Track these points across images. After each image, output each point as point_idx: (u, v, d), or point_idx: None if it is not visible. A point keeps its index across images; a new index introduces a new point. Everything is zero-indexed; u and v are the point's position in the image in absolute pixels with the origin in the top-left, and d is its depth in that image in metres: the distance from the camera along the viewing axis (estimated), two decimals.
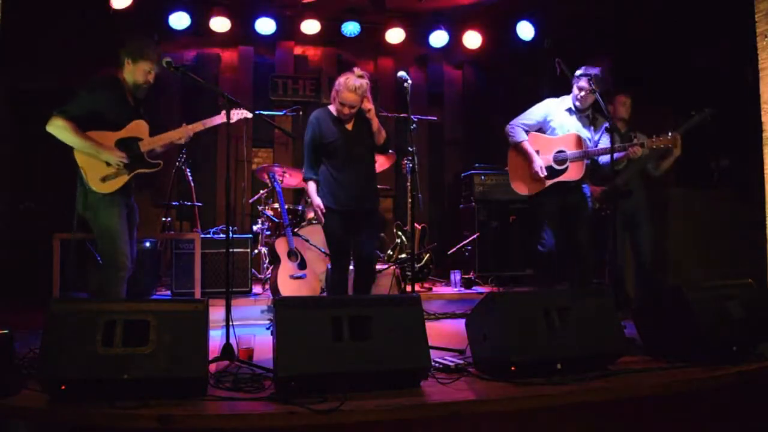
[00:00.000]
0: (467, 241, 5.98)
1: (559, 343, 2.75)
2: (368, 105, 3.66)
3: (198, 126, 3.52)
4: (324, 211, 3.65)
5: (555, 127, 4.16)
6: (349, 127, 3.71)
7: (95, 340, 2.35)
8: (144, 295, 4.87)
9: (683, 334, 3.00)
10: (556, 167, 4.11)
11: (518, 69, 6.95)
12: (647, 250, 4.45)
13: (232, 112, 3.36)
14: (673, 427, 2.67)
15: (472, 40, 6.89)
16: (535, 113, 4.24)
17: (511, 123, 4.26)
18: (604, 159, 4.14)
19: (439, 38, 6.85)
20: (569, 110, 4.18)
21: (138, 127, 3.38)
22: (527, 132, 4.21)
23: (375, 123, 3.70)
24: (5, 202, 5.95)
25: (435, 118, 6.41)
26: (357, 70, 3.61)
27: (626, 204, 4.44)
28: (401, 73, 3.88)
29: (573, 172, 4.08)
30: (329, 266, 4.93)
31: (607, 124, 4.12)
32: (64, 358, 2.31)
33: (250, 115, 3.64)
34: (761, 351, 3.02)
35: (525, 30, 6.53)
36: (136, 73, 3.34)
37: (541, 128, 4.21)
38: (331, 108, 3.71)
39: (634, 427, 2.62)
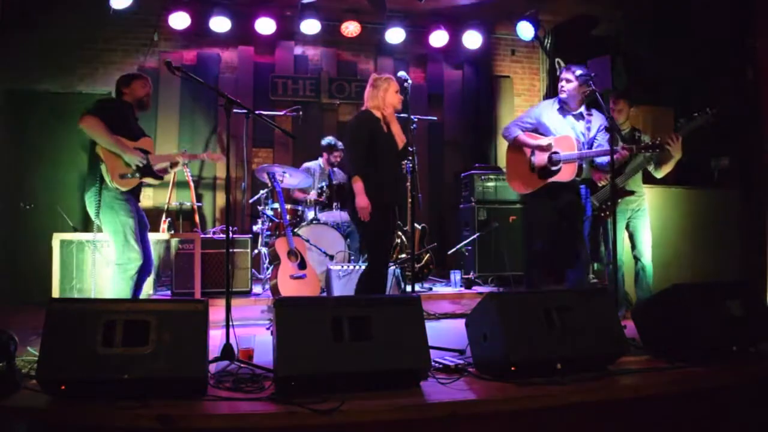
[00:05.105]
0: (467, 241, 5.98)
1: (559, 343, 2.74)
2: None
3: (194, 156, 4.20)
4: None
5: (549, 128, 4.19)
6: None
7: (95, 340, 2.35)
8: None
9: (683, 334, 2.99)
10: (550, 167, 4.14)
11: (518, 69, 6.94)
12: (647, 250, 4.46)
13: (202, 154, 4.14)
14: (673, 427, 2.66)
15: (472, 40, 6.90)
16: (529, 115, 4.33)
17: (506, 126, 4.38)
18: (600, 159, 4.16)
19: (439, 38, 6.85)
20: (560, 110, 4.21)
21: (147, 143, 3.77)
22: (523, 131, 4.26)
23: None
24: (5, 202, 5.95)
25: (435, 118, 6.40)
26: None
27: (626, 204, 4.44)
28: (401, 73, 3.88)
29: (565, 174, 4.09)
30: (329, 266, 4.93)
31: (605, 124, 4.10)
32: (64, 358, 2.31)
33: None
34: (761, 351, 3.03)
35: (525, 30, 6.53)
36: (135, 91, 3.73)
37: (537, 129, 4.25)
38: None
39: (634, 427, 2.62)
